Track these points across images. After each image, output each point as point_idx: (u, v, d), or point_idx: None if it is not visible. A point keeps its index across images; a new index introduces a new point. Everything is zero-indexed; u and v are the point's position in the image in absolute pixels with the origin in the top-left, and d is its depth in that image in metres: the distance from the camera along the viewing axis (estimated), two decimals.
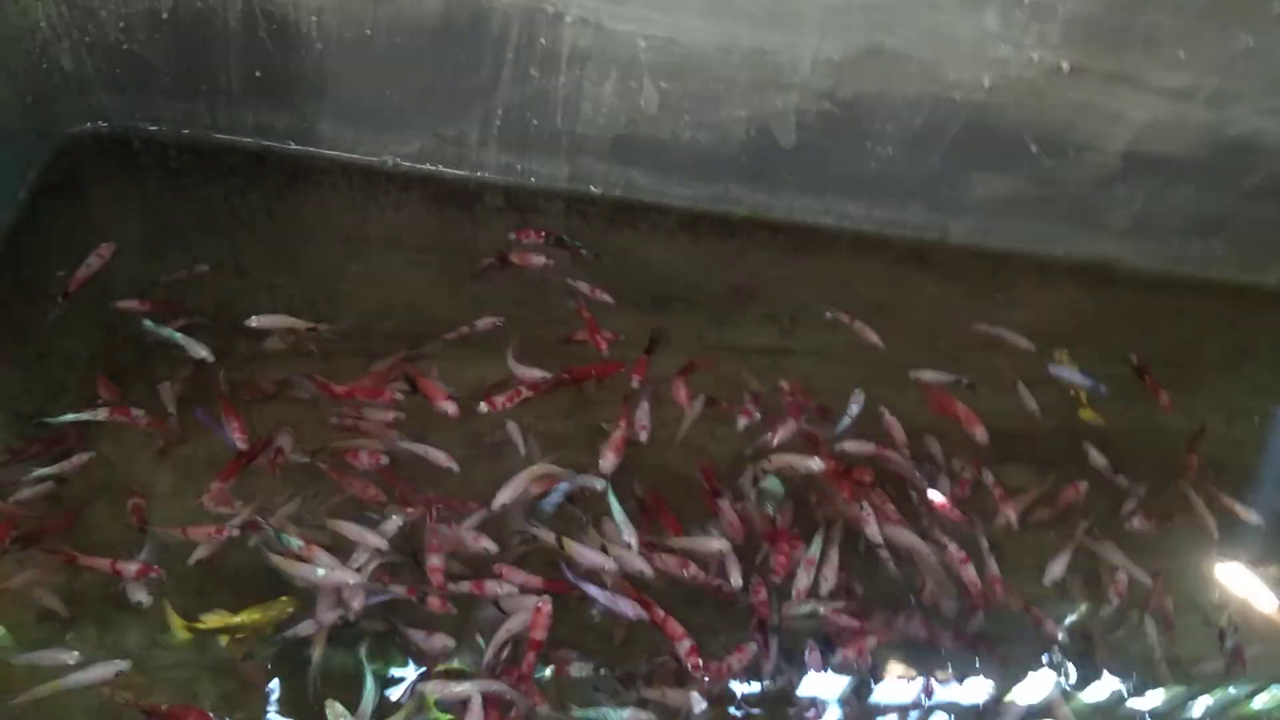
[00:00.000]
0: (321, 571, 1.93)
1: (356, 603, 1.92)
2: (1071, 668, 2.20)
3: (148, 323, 2.29)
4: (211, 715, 1.77)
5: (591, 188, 2.88)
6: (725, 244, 2.98)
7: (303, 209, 2.82)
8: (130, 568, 1.91)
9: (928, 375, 2.63)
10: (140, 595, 1.90)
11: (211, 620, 1.87)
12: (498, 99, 2.64)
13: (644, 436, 2.29)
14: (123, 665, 1.80)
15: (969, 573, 2.20)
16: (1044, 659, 2.20)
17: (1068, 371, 2.74)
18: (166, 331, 2.28)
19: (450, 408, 2.25)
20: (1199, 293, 3.17)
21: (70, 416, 2.09)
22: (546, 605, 1.94)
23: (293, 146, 2.76)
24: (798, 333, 2.80)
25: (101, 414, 2.11)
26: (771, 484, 2.27)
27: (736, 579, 2.08)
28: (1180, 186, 2.89)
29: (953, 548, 2.22)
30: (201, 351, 2.26)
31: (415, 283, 2.71)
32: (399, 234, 2.83)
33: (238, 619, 1.88)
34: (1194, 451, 2.67)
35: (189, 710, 1.78)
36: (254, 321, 2.34)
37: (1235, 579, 2.50)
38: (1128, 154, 2.77)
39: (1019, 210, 2.94)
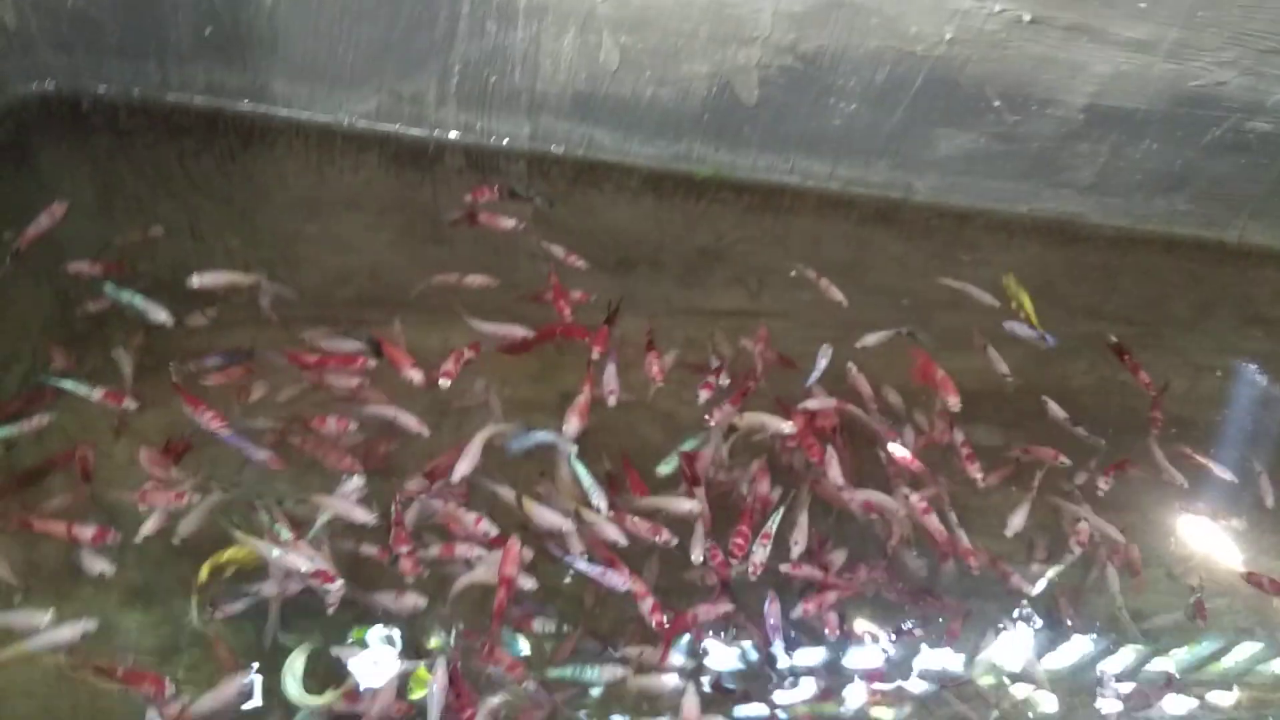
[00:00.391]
0: (288, 557, 1.89)
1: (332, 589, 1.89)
2: (1038, 621, 2.21)
3: (108, 286, 2.24)
4: (166, 678, 1.74)
5: (553, 147, 2.84)
6: (690, 204, 2.96)
7: (258, 170, 2.77)
8: (87, 531, 1.86)
9: (871, 339, 2.59)
10: (101, 565, 1.85)
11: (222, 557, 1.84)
12: (454, 55, 2.60)
13: (613, 400, 2.27)
14: (89, 625, 1.76)
15: (933, 522, 2.20)
16: (1012, 614, 2.20)
17: (1021, 327, 2.73)
18: (126, 295, 2.22)
19: (416, 375, 2.23)
20: (1162, 249, 3.18)
21: (69, 384, 2.04)
22: (517, 543, 1.92)
23: (246, 106, 2.71)
24: (765, 295, 2.78)
25: (96, 394, 2.05)
26: (670, 466, 2.23)
27: (697, 555, 2.07)
28: (1142, 141, 2.88)
29: (915, 498, 2.22)
30: (161, 315, 2.20)
31: (375, 246, 2.66)
32: (358, 196, 2.78)
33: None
34: (1158, 407, 2.67)
35: (144, 674, 1.75)
36: (195, 281, 2.28)
37: (1199, 532, 2.51)
38: (1089, 108, 2.76)
39: (982, 167, 2.93)
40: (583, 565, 1.98)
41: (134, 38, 2.54)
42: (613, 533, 2.02)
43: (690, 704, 1.87)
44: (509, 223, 2.59)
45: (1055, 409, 2.59)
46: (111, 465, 2.02)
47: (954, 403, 2.44)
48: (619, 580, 1.96)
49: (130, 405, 2.06)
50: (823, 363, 2.48)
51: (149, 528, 1.89)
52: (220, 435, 2.01)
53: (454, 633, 1.92)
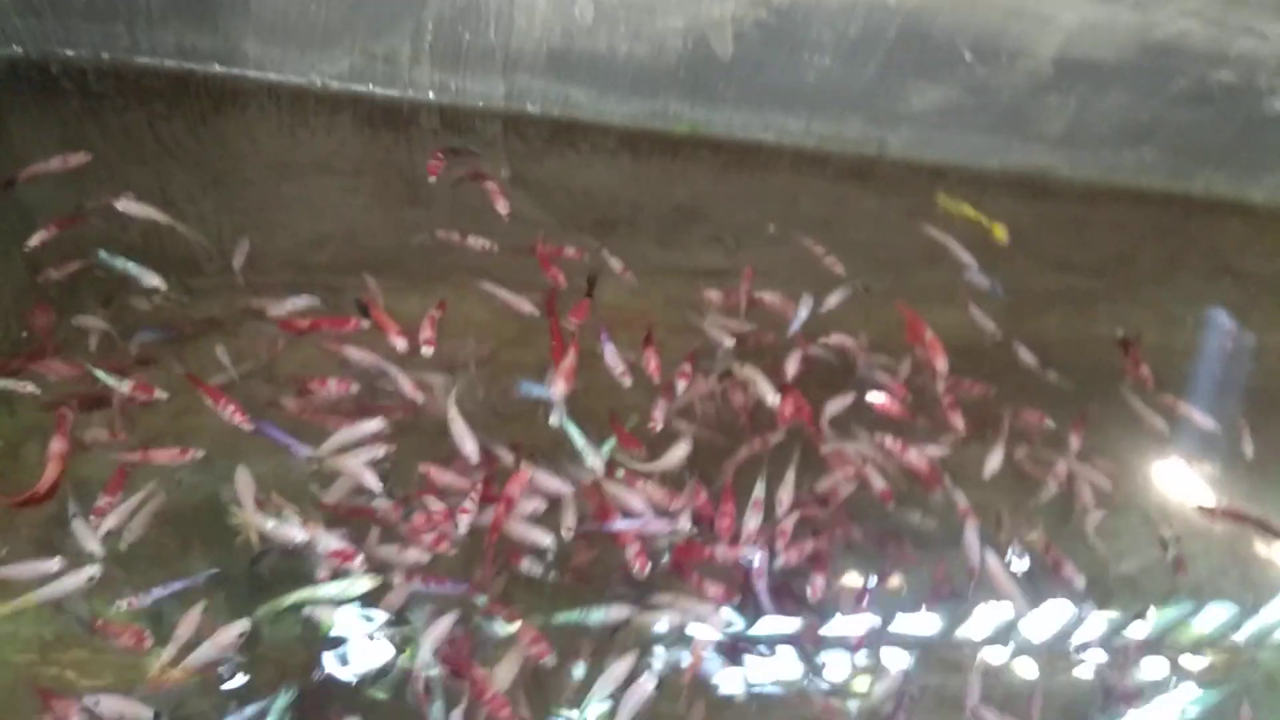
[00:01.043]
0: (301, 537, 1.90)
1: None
2: (1016, 563, 2.24)
3: (103, 253, 2.23)
4: (146, 631, 1.75)
5: (529, 106, 2.84)
6: (667, 163, 2.97)
7: (230, 134, 2.74)
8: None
9: (832, 299, 2.60)
10: (93, 545, 1.84)
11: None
12: (428, 12, 2.59)
13: (627, 381, 2.26)
14: (94, 570, 1.78)
15: (911, 456, 2.23)
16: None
17: (979, 277, 2.76)
18: (120, 260, 2.23)
19: (401, 342, 2.24)
20: (1131, 202, 3.23)
21: (101, 374, 2.02)
22: (525, 474, 1.99)
23: (217, 68, 2.68)
24: (742, 252, 2.79)
25: (126, 386, 2.03)
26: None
27: (685, 523, 2.08)
28: (1110, 93, 2.93)
29: (888, 439, 2.25)
30: (154, 280, 2.21)
31: (350, 209, 2.65)
32: (331, 158, 2.76)
33: None
34: (1132, 355, 2.71)
35: (125, 627, 1.76)
36: (121, 206, 2.30)
37: (1175, 480, 2.56)
38: (1059, 59, 2.80)
39: (954, 121, 2.96)
40: (627, 524, 2.03)
41: (102, 0, 2.51)
42: (636, 500, 2.06)
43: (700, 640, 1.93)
44: (503, 205, 2.60)
45: (1025, 354, 2.62)
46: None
47: (942, 365, 2.47)
48: (662, 525, 2.03)
49: (162, 397, 2.05)
50: (804, 312, 2.51)
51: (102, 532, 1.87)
52: (247, 428, 2.00)
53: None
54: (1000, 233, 2.81)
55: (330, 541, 1.86)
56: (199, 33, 2.61)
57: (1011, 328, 2.71)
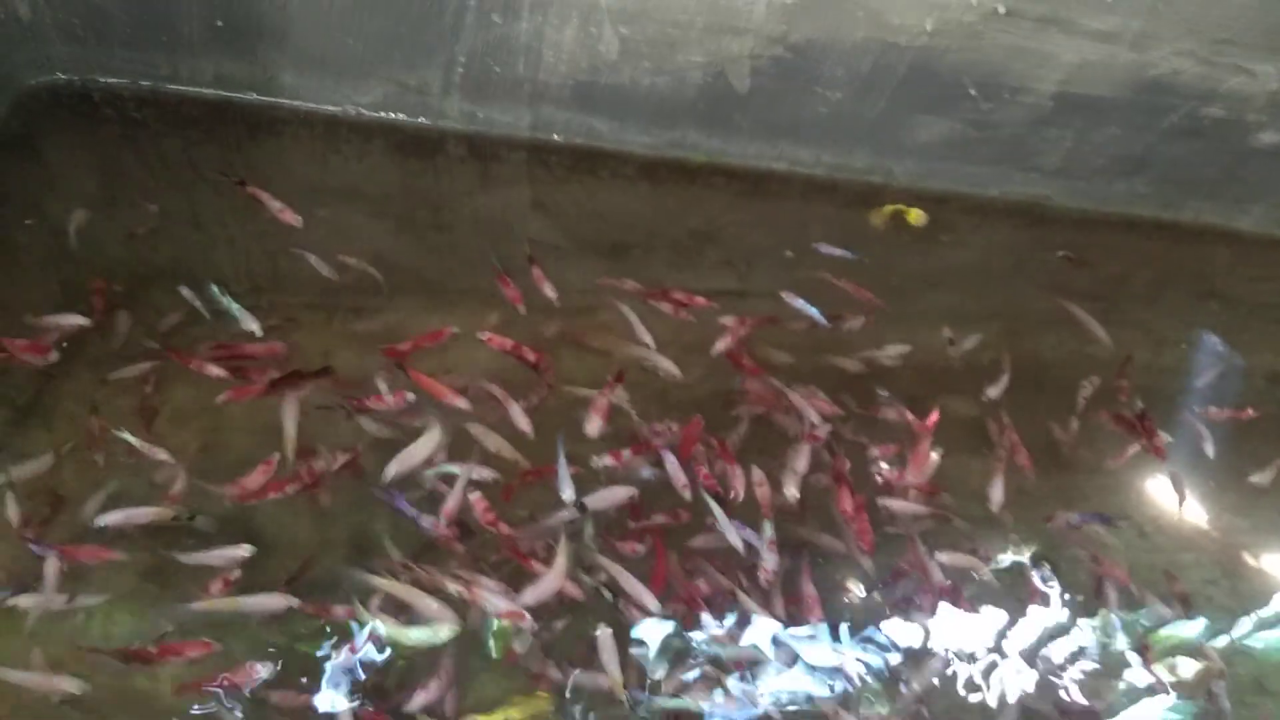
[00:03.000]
0: None
1: None
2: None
3: (215, 289, 2.34)
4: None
5: (554, 136, 2.95)
6: (684, 190, 3.08)
7: (263, 160, 2.83)
8: None
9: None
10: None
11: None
12: (460, 46, 2.69)
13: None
14: (246, 550, 1.92)
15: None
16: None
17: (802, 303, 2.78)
18: (228, 300, 2.33)
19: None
20: (1124, 230, 3.36)
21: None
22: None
23: (254, 97, 2.78)
24: (753, 276, 2.91)
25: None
26: None
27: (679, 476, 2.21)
28: (1106, 127, 3.06)
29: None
30: (252, 325, 2.31)
31: (378, 234, 2.74)
32: (360, 184, 2.86)
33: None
34: (1124, 378, 2.82)
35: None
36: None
37: (1173, 503, 2.62)
38: (1058, 95, 2.93)
39: (957, 153, 3.09)
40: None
41: (145, 30, 2.60)
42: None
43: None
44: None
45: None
46: None
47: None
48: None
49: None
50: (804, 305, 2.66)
51: None
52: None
53: None
54: (915, 217, 2.97)
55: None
56: (237, 63, 2.71)
57: (1011, 349, 2.82)
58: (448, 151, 2.92)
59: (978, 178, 3.20)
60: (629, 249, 2.91)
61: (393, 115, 2.86)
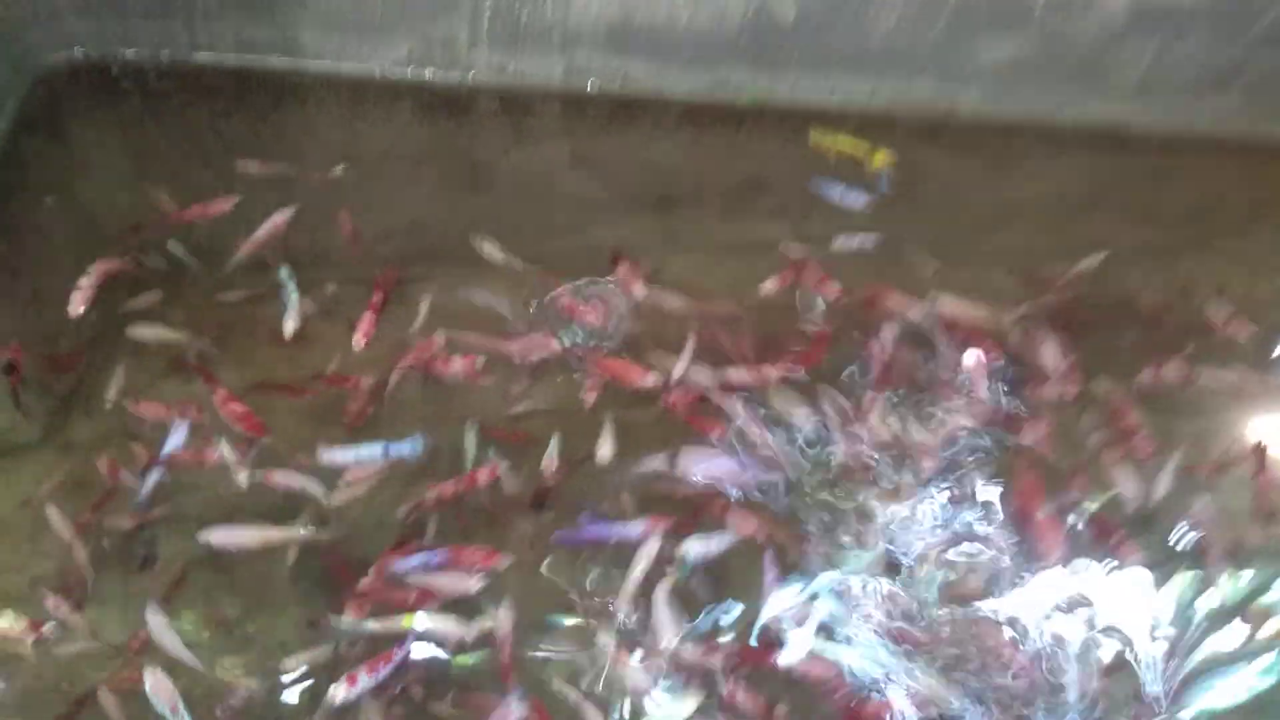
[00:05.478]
0: None
1: None
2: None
3: (282, 271, 2.32)
4: None
5: (588, 84, 2.80)
6: (730, 134, 2.90)
7: (291, 128, 2.74)
8: None
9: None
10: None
11: None
12: None
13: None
14: (305, 531, 1.96)
15: None
16: None
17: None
18: (291, 287, 2.31)
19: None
20: (1213, 151, 3.10)
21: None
22: None
23: (276, 61, 2.68)
24: (810, 224, 2.72)
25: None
26: None
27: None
28: (1188, 37, 2.82)
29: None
30: (291, 325, 2.27)
31: (413, 199, 2.64)
32: (392, 147, 2.75)
33: None
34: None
35: None
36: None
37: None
38: (1133, 4, 2.69)
39: (1026, 75, 2.87)
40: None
41: None
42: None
43: None
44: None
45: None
46: None
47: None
48: None
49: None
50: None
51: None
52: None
53: None
54: (881, 158, 2.73)
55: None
56: (256, 24, 2.61)
57: (1097, 286, 2.63)
58: (479, 107, 2.79)
59: (1050, 103, 2.96)
60: (676, 202, 2.76)
61: (420, 72, 2.74)
